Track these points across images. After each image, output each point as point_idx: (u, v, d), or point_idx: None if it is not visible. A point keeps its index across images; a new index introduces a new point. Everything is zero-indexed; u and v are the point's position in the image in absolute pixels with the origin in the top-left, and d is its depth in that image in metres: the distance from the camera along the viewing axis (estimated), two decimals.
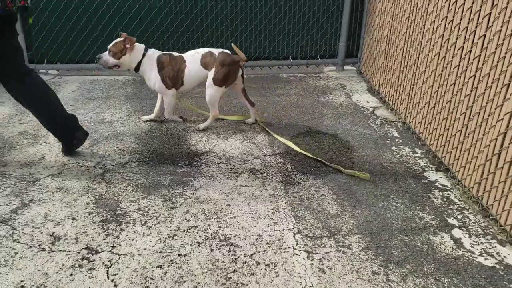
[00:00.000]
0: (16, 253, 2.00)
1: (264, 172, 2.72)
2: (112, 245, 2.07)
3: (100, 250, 2.04)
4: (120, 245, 2.07)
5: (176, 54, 3.15)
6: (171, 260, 2.00)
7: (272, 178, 2.66)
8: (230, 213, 2.33)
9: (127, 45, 3.01)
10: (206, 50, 3.14)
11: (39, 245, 2.06)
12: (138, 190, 2.50)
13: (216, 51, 3.11)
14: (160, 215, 2.30)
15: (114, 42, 3.04)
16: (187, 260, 2.00)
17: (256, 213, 2.34)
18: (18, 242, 2.07)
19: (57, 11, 3.98)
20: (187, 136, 3.12)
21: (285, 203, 2.43)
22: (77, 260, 1.97)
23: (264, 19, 4.30)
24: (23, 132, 3.10)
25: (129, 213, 2.30)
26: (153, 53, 3.11)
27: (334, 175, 2.70)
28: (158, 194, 2.46)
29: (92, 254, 2.01)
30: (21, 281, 1.85)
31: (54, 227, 2.18)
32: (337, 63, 4.55)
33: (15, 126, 3.19)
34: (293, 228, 2.23)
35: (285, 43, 4.43)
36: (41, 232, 2.14)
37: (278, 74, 4.44)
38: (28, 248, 2.04)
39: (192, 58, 3.12)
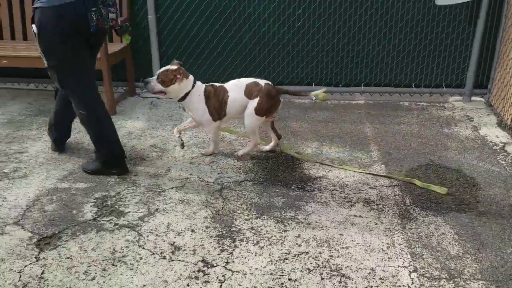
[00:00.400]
0: (141, 258, 2.17)
1: (380, 204, 2.63)
2: (226, 260, 2.15)
3: (215, 264, 2.13)
4: (233, 262, 2.14)
5: (217, 84, 3.13)
6: (282, 284, 2.01)
7: (388, 211, 2.56)
8: (343, 242, 2.29)
9: (178, 76, 2.94)
10: (250, 80, 3.11)
11: (161, 253, 2.21)
12: (252, 209, 2.57)
13: (261, 81, 3.10)
14: (272, 236, 2.33)
15: (165, 68, 2.97)
16: (297, 285, 2.00)
17: (369, 245, 2.27)
18: (143, 248, 2.25)
19: (185, 34, 4.32)
20: (300, 160, 3.15)
21: (402, 238, 2.32)
22: (193, 272, 2.08)
23: (387, 45, 4.21)
24: (153, 145, 3.38)
25: (242, 231, 2.38)
26: (201, 84, 3.08)
27: (457, 213, 2.52)
28: (271, 215, 2.51)
29: (208, 268, 2.11)
30: (144, 285, 2.00)
31: (175, 237, 2.32)
32: (464, 93, 4.28)
33: (147, 139, 3.49)
34: (409, 266, 2.12)
35: (408, 70, 4.28)
36: (163, 241, 2.30)
37: (399, 101, 4.29)
38: (151, 254, 2.20)
39: (235, 87, 3.08)
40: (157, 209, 2.57)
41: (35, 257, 2.18)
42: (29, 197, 2.70)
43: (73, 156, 3.19)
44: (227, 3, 4.18)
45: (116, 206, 2.60)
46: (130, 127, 3.69)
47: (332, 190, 2.77)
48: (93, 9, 2.64)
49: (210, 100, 3.04)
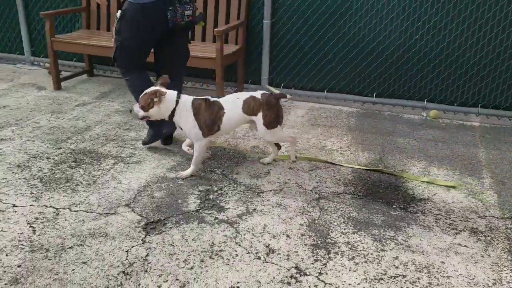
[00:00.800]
0: (237, 255, 2.24)
1: (488, 236, 2.44)
2: (319, 271, 2.14)
3: (308, 273, 2.13)
4: (326, 274, 2.13)
5: (212, 98, 2.96)
6: None
7: (497, 244, 2.37)
8: (444, 271, 2.16)
9: (155, 99, 2.82)
10: (246, 95, 2.96)
11: (256, 253, 2.26)
12: (349, 223, 2.52)
13: (257, 94, 2.96)
14: (368, 254, 2.27)
15: (144, 92, 2.88)
16: None
17: (473, 278, 2.12)
18: (239, 245, 2.32)
19: (297, 40, 4.36)
20: (404, 178, 3.03)
21: (511, 276, 2.14)
22: (286, 277, 2.10)
23: None
24: (255, 146, 3.47)
25: (338, 244, 2.35)
26: (187, 99, 2.91)
27: None
28: (369, 232, 2.45)
29: (300, 275, 2.11)
30: (237, 282, 2.06)
31: (270, 240, 2.36)
32: None
33: (249, 140, 3.59)
34: None
35: None
36: (259, 241, 2.35)
37: None
38: (247, 253, 2.26)
39: (232, 103, 2.94)
40: (255, 209, 2.63)
41: (142, 240, 2.35)
42: (140, 182, 2.91)
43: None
44: (343, 12, 4.16)
45: (218, 201, 2.71)
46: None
47: (437, 214, 2.63)
48: (170, 8, 3.07)
49: (200, 114, 2.89)
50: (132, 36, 3.13)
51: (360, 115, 4.19)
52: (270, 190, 2.85)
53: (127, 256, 2.22)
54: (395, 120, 4.06)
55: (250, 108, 2.94)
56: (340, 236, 2.41)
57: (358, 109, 4.31)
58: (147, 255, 2.23)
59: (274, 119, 2.97)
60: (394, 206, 2.71)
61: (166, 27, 3.13)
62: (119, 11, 3.12)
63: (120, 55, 3.23)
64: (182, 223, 2.49)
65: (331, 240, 2.38)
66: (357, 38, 4.19)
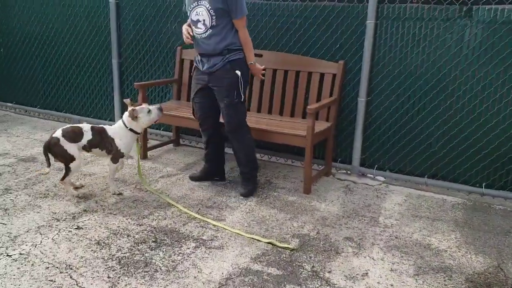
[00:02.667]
0: None
1: None
2: None
3: None
4: None
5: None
6: None
7: None
8: None
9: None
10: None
11: None
12: None
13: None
14: None
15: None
16: None
17: None
18: None
19: (394, 120, 4.04)
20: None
21: None
22: None
23: None
24: (348, 238, 3.10)
25: None
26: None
27: None
28: None
29: None
30: None
31: None
32: None
33: (342, 229, 3.23)
34: None
35: None
36: None
37: None
38: None
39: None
40: None
41: None
42: (222, 273, 2.64)
43: (266, 234, 3.10)
44: (448, 93, 3.81)
45: None
46: (324, 212, 3.49)
47: None
48: None
49: None
50: (244, 90, 3.58)
51: (467, 207, 3.69)
52: None
53: None
54: (510, 216, 3.52)
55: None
56: None
57: (464, 200, 3.81)
58: None
59: None
60: None
61: None
62: (237, 71, 3.47)
63: (243, 114, 3.64)
64: None
65: None
66: (465, 122, 3.79)
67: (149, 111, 3.54)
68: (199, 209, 3.47)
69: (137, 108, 3.51)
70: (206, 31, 3.44)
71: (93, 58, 5.47)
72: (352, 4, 4.03)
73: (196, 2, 3.41)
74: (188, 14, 3.51)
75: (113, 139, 3.51)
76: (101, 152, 3.55)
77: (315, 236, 3.11)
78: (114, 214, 3.32)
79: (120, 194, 3.64)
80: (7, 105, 6.34)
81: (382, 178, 4.21)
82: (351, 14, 4.04)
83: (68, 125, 3.51)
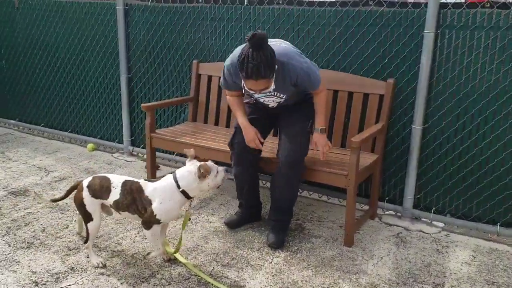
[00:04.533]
0: None
1: None
2: None
3: None
4: None
5: None
6: None
7: None
8: None
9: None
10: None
11: None
12: None
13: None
14: None
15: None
16: None
17: None
18: None
19: (459, 154, 3.24)
20: None
21: None
22: None
23: None
24: None
25: None
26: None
27: None
28: None
29: None
30: None
31: None
32: None
33: None
34: None
35: None
36: None
37: None
38: None
39: None
40: None
41: None
42: None
43: None
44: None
45: None
46: (373, 275, 2.73)
47: None
48: None
49: None
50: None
51: None
52: None
53: None
54: None
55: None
56: None
57: None
58: None
59: None
60: None
61: None
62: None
63: (307, 149, 3.07)
64: None
65: None
66: None
67: (217, 171, 2.70)
68: (213, 268, 2.75)
69: (209, 164, 2.65)
70: (277, 104, 3.01)
71: (100, 72, 4.84)
72: (406, 9, 3.25)
73: (258, 93, 2.81)
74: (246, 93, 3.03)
75: (149, 201, 2.59)
76: (132, 216, 2.67)
77: None
78: (107, 276, 2.64)
79: (169, 260, 2.80)
80: (10, 122, 5.78)
81: (441, 224, 3.41)
82: (404, 22, 3.26)
83: (100, 175, 2.72)
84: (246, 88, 2.75)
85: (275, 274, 2.71)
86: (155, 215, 2.57)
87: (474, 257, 2.98)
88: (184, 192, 2.60)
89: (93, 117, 5.04)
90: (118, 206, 2.63)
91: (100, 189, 2.63)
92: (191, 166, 2.62)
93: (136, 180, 2.67)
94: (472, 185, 3.24)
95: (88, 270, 2.69)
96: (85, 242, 2.73)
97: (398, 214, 3.53)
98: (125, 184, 2.63)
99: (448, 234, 3.28)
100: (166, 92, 4.46)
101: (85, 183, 2.66)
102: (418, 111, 3.26)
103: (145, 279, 2.61)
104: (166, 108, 4.49)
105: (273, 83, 2.69)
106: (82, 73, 4.96)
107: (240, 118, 3.00)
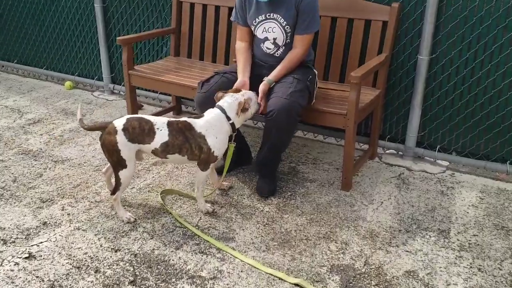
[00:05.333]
0: None
1: None
2: None
3: None
4: None
5: None
6: None
7: None
8: None
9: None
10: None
11: None
12: None
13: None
14: None
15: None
16: None
17: None
18: None
19: (468, 85, 2.93)
20: None
21: None
22: None
23: None
24: (410, 273, 2.14)
25: None
26: None
27: None
28: None
29: None
30: None
31: None
32: None
33: (400, 255, 2.26)
34: None
35: None
36: None
37: None
38: None
39: None
40: None
41: None
42: None
43: (292, 265, 2.17)
44: None
45: None
46: (373, 222, 2.52)
47: None
48: None
49: None
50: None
51: None
52: None
53: None
54: None
55: None
56: None
57: None
58: None
59: None
60: None
61: None
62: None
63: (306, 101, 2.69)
64: None
65: None
66: None
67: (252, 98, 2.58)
68: (200, 218, 2.54)
69: (249, 94, 2.54)
70: (277, 51, 2.77)
71: (72, 0, 4.36)
72: None
73: (264, 15, 2.68)
74: (253, 29, 2.79)
75: (203, 137, 2.39)
76: (181, 159, 2.43)
77: (363, 270, 2.16)
78: (83, 230, 2.42)
79: (213, 211, 2.59)
80: None
81: (445, 163, 3.17)
82: None
83: (134, 116, 2.40)
84: (252, 9, 2.68)
85: (266, 224, 2.50)
86: (213, 151, 2.42)
87: (482, 199, 2.76)
88: (232, 125, 2.48)
89: (69, 52, 4.64)
90: (168, 148, 2.36)
91: (141, 132, 2.33)
92: (233, 98, 2.49)
93: (180, 119, 2.43)
94: (482, 121, 2.97)
95: (62, 224, 2.46)
96: (113, 193, 2.46)
97: (400, 153, 3.29)
98: (171, 124, 2.37)
99: (453, 174, 3.05)
100: (146, 22, 4.04)
101: (119, 125, 2.32)
102: (426, 39, 2.90)
103: (125, 233, 2.40)
104: (147, 41, 4.09)
105: None
106: (53, 2, 4.48)
107: (241, 74, 2.71)
